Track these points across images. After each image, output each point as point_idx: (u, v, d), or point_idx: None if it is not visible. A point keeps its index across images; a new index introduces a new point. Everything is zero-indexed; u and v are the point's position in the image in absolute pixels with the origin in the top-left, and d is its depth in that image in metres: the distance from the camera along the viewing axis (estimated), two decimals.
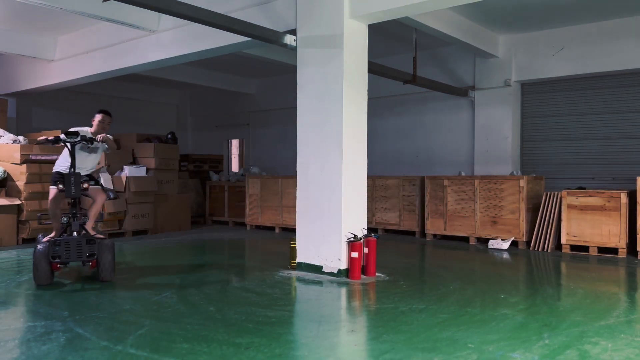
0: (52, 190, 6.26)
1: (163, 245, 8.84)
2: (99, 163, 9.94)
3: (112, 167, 10.00)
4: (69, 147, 5.75)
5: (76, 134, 5.80)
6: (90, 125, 6.48)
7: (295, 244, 6.47)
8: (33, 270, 5.43)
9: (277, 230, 10.66)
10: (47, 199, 8.92)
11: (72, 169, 5.65)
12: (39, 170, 8.88)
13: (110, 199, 5.79)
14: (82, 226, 5.66)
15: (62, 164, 6.31)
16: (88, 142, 5.98)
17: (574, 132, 9.64)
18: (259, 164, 13.62)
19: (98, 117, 6.49)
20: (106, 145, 6.36)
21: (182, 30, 8.03)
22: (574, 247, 7.86)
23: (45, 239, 5.84)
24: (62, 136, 5.77)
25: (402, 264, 7.12)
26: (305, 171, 6.38)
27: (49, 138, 5.85)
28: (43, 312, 4.56)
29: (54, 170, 6.41)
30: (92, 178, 6.46)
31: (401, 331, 3.94)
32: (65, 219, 5.65)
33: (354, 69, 6.18)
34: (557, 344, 3.66)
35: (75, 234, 5.54)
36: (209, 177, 12.98)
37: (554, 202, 8.16)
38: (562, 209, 7.93)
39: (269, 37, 6.47)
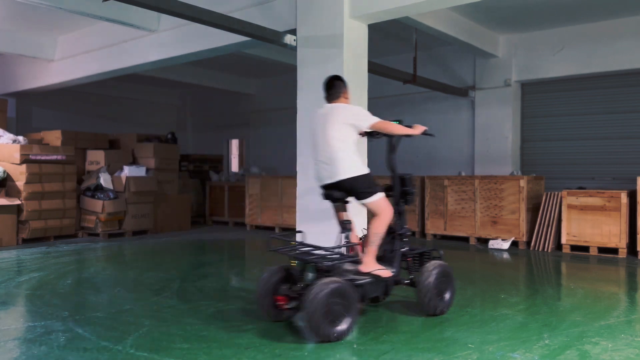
0: (387, 202, 4.32)
1: (163, 245, 8.84)
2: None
3: (112, 167, 10.00)
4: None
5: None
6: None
7: (295, 244, 6.46)
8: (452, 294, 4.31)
9: (277, 230, 10.65)
10: (48, 199, 9.00)
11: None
12: (39, 170, 8.87)
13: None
14: None
15: (363, 163, 4.51)
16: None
17: (574, 132, 9.63)
18: (259, 164, 13.62)
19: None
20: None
21: (182, 30, 8.03)
22: (574, 247, 7.86)
23: (388, 272, 4.22)
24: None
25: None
26: (305, 171, 6.38)
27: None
28: (43, 312, 4.56)
29: (366, 172, 4.28)
30: None
31: (401, 331, 3.94)
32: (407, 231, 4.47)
33: (354, 68, 6.17)
34: (557, 344, 3.66)
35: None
36: (209, 177, 12.98)
37: (554, 202, 8.15)
38: (562, 209, 7.92)
39: (269, 37, 6.47)
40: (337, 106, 4.35)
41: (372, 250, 4.21)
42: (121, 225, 9.75)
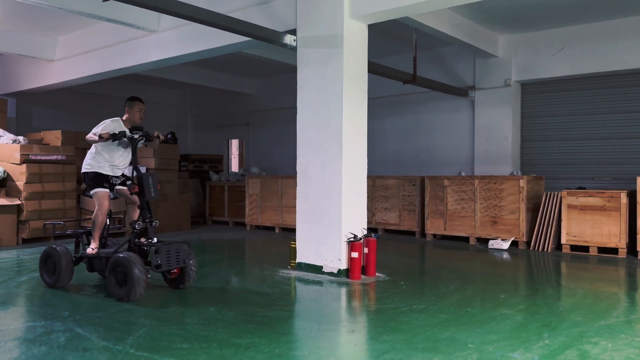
0: (103, 194, 5.56)
1: None
2: None
3: None
4: (134, 144, 5.40)
5: (140, 128, 5.40)
6: (121, 115, 5.65)
7: (295, 244, 6.47)
8: (130, 284, 4.72)
9: (277, 230, 10.65)
10: (48, 199, 9.00)
11: (144, 169, 4.86)
12: (39, 170, 8.87)
13: (152, 198, 5.28)
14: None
15: (98, 164, 5.57)
16: (147, 138, 5.53)
17: (574, 132, 9.63)
18: (259, 164, 13.61)
19: (138, 106, 5.62)
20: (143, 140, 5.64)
21: (182, 30, 8.03)
22: (574, 247, 7.86)
23: (91, 250, 5.37)
24: (128, 132, 5.38)
25: (402, 264, 7.12)
26: (305, 171, 6.38)
27: (115, 133, 5.29)
28: (43, 312, 4.56)
29: (88, 171, 5.59)
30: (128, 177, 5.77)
31: (401, 331, 3.94)
32: (139, 225, 5.24)
33: (354, 68, 6.17)
34: (557, 344, 3.66)
35: (155, 239, 5.14)
36: (209, 177, 12.98)
37: (554, 202, 8.15)
38: (562, 209, 7.92)
39: (269, 37, 6.46)
40: None
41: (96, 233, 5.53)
42: (121, 225, 9.72)
